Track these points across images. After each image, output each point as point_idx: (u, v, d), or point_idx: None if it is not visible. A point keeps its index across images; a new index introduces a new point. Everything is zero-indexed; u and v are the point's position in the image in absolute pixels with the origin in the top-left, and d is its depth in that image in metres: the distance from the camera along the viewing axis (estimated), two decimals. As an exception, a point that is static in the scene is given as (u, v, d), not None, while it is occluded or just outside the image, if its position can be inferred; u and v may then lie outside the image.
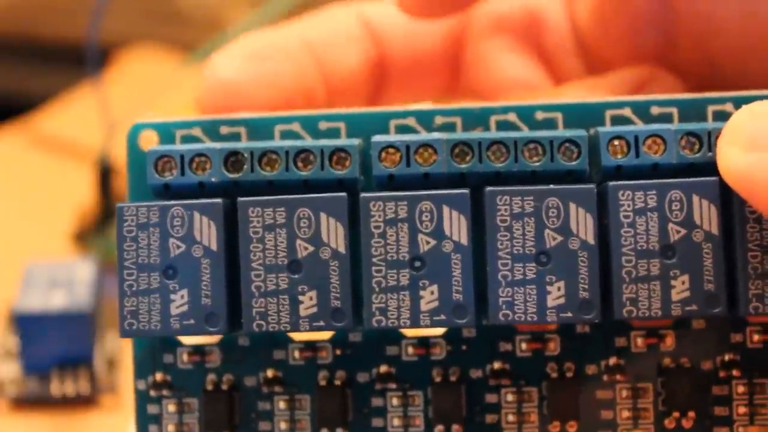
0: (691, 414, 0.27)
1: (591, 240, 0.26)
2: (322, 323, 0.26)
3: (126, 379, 0.43)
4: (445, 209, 0.26)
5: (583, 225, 0.26)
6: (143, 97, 0.51)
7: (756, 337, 0.28)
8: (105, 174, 0.49)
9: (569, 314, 0.26)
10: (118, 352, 0.43)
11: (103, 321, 0.44)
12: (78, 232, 0.49)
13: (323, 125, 0.28)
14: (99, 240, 0.49)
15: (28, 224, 0.51)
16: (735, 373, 0.28)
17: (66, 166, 0.54)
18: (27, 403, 0.42)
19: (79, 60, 0.51)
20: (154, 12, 0.63)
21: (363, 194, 0.26)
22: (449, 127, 0.28)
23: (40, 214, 0.51)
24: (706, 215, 0.26)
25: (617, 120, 0.28)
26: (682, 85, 0.30)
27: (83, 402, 0.42)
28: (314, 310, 0.26)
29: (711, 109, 0.28)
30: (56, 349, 0.42)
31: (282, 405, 0.28)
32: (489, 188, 0.26)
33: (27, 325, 0.41)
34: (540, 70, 0.32)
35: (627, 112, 0.28)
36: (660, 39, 0.31)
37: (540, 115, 0.28)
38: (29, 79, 0.64)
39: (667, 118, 0.28)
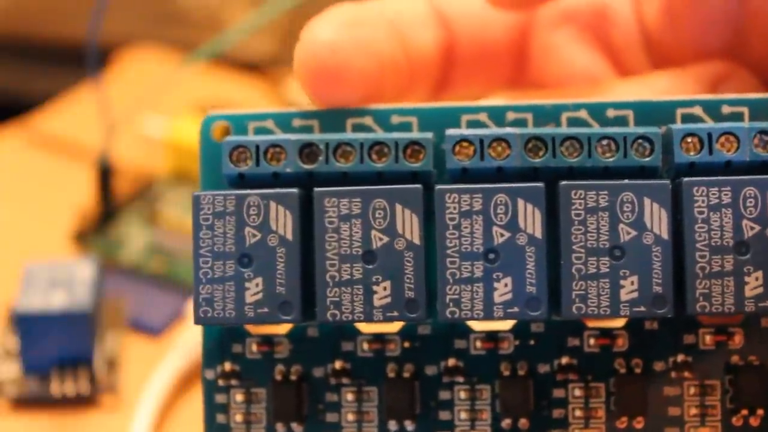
0: (760, 412, 0.28)
1: (665, 235, 0.26)
2: (395, 313, 0.27)
3: (126, 379, 0.43)
4: (520, 202, 0.26)
5: (657, 220, 0.26)
6: (143, 97, 0.51)
7: (825, 337, 0.28)
8: (105, 174, 0.49)
9: (642, 308, 0.26)
10: (118, 352, 0.44)
11: (103, 321, 0.44)
12: (78, 232, 0.49)
13: (395, 119, 0.28)
14: (99, 240, 0.49)
15: (28, 224, 0.51)
16: (803, 372, 0.28)
17: (66, 166, 0.54)
18: (27, 403, 0.42)
19: (79, 60, 0.51)
20: (154, 12, 0.63)
21: (438, 186, 0.27)
22: (521, 123, 0.28)
23: (40, 214, 0.51)
24: (781, 212, 0.26)
25: (688, 118, 0.28)
26: (758, 82, 0.30)
27: (83, 402, 0.42)
28: (388, 300, 0.27)
29: (782, 108, 0.28)
30: (56, 349, 0.41)
31: (350, 396, 0.28)
32: (563, 182, 0.26)
33: (27, 325, 0.41)
34: (606, 64, 0.32)
35: (698, 110, 0.28)
36: (730, 38, 0.31)
37: (611, 113, 0.28)
38: (29, 79, 0.63)
39: (737, 117, 0.28)
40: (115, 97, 0.49)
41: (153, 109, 0.53)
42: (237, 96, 0.56)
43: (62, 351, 0.42)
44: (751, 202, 0.26)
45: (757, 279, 0.26)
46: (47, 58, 0.63)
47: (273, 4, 0.46)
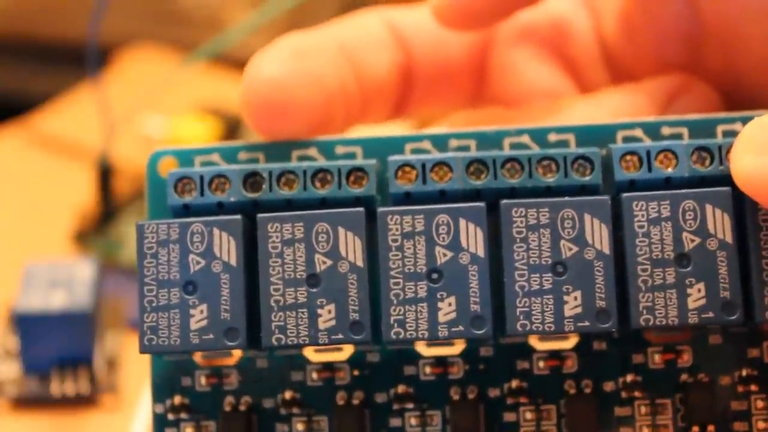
0: (711, 428, 0.27)
1: (606, 250, 0.26)
2: (340, 336, 0.26)
3: (126, 379, 0.43)
4: (462, 222, 0.27)
5: (599, 235, 0.26)
6: (143, 97, 0.51)
7: (773, 351, 0.28)
8: (105, 174, 0.49)
9: (586, 323, 0.26)
10: (118, 352, 0.44)
11: (103, 321, 0.44)
12: (78, 232, 0.49)
13: (340, 150, 0.29)
14: (99, 240, 0.49)
15: (28, 224, 0.51)
16: (753, 388, 0.28)
17: (66, 166, 0.54)
18: (27, 403, 0.42)
19: (79, 60, 0.51)
20: (154, 12, 0.64)
21: (380, 209, 0.27)
22: (464, 150, 0.29)
23: (40, 214, 0.51)
24: (720, 224, 0.26)
25: (629, 140, 0.28)
26: (716, 94, 0.31)
27: (83, 402, 0.42)
28: (333, 323, 0.27)
29: (720, 128, 0.28)
30: (56, 349, 0.42)
31: (300, 426, 0.28)
32: (504, 201, 0.27)
33: (27, 325, 0.41)
34: (566, 79, 0.32)
35: (638, 132, 0.28)
36: (686, 52, 0.31)
37: (553, 137, 0.29)
38: (29, 79, 0.64)
39: (677, 138, 0.28)
40: (115, 97, 0.50)
41: (153, 109, 0.53)
42: (237, 96, 0.56)
43: (62, 351, 0.42)
44: (690, 215, 0.26)
45: (699, 291, 0.26)
46: (47, 58, 0.64)
47: (273, 4, 0.46)
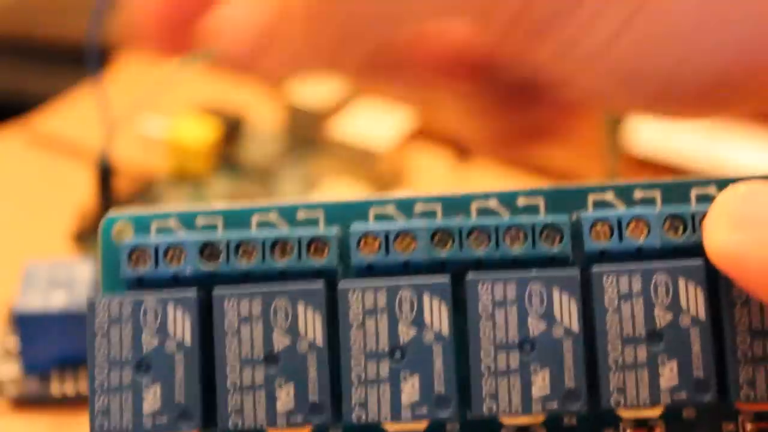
0: (685, 507, 0.27)
1: (575, 328, 0.25)
2: (299, 419, 0.26)
3: None
4: (426, 298, 0.26)
5: (567, 312, 0.25)
6: (143, 97, 0.50)
7: (749, 426, 0.27)
8: (105, 174, 0.49)
9: (554, 405, 0.25)
10: None
11: None
12: (78, 232, 0.49)
13: (301, 214, 0.28)
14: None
15: (28, 224, 0.51)
16: (729, 463, 0.27)
17: (66, 166, 0.54)
18: (27, 403, 0.42)
19: (79, 60, 0.51)
20: None
21: (341, 284, 0.26)
22: (429, 215, 0.28)
23: (40, 214, 0.51)
24: (693, 299, 0.25)
25: (600, 204, 0.27)
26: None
27: (83, 402, 0.41)
28: (291, 405, 0.26)
29: (694, 191, 0.27)
30: (56, 349, 0.41)
31: (261, 505, 0.27)
32: (470, 276, 0.26)
33: (27, 325, 0.41)
34: None
35: (609, 196, 0.27)
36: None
37: (522, 201, 0.28)
38: (29, 79, 0.63)
39: (649, 201, 0.27)
40: (115, 97, 0.49)
41: (153, 109, 0.53)
42: (237, 96, 0.56)
43: (62, 351, 0.42)
44: (662, 290, 0.25)
45: (671, 369, 0.25)
46: (47, 58, 0.63)
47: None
